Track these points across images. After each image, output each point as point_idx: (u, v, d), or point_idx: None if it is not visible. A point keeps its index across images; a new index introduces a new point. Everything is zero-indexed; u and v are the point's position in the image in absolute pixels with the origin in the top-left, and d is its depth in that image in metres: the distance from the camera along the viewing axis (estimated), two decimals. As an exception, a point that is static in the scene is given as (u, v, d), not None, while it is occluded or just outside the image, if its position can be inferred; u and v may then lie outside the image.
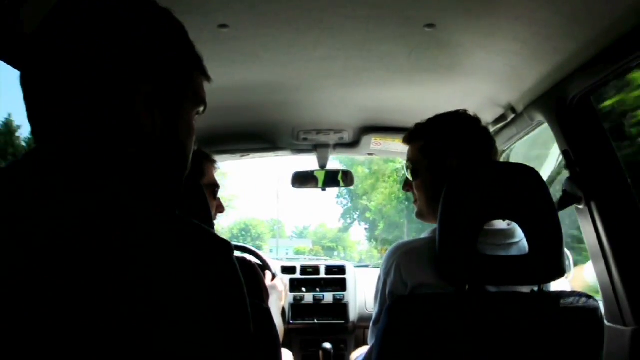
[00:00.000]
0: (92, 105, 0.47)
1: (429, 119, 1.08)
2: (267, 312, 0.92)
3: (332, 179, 2.12)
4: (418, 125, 1.09)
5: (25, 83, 0.49)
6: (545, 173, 1.47)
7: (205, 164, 1.24)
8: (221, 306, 0.44)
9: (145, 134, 0.49)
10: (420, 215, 1.11)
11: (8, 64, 0.87)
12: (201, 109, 0.57)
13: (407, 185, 1.13)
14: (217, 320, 0.43)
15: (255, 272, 1.05)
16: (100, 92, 0.47)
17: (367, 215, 25.09)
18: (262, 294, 0.96)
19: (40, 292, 0.39)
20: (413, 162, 1.08)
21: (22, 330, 0.38)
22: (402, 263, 0.95)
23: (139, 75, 0.48)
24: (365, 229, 29.86)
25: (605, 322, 1.01)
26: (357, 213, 29.52)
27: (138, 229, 0.43)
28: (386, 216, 22.89)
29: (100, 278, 0.40)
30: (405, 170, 1.11)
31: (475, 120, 1.06)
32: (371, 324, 1.02)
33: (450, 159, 1.00)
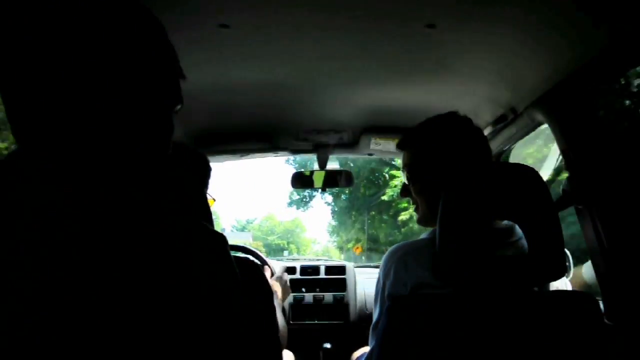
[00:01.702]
0: (77, 104, 0.47)
1: (420, 123, 1.08)
2: (269, 311, 0.92)
3: (331, 179, 2.12)
4: (411, 130, 1.09)
5: (4, 83, 0.48)
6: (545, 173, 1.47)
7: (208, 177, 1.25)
8: (216, 295, 0.45)
9: (129, 131, 0.51)
10: (424, 221, 1.09)
11: None
12: (179, 107, 0.59)
13: (405, 191, 1.12)
14: (212, 309, 0.44)
15: (259, 272, 1.06)
16: (85, 91, 0.47)
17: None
18: (268, 294, 0.97)
19: (54, 283, 0.40)
20: (410, 167, 1.08)
21: (51, 318, 0.39)
22: (402, 264, 0.95)
23: (122, 77, 0.49)
24: (333, 213, 20.17)
25: (605, 321, 1.01)
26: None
27: (139, 220, 0.44)
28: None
29: (106, 268, 0.41)
30: (403, 176, 1.11)
31: (467, 120, 1.06)
32: (371, 328, 1.02)
33: (446, 161, 1.00)
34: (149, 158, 0.54)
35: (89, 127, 0.48)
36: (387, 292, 0.96)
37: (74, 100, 0.47)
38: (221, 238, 0.49)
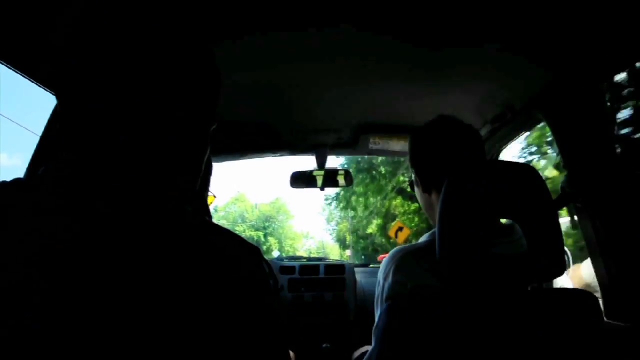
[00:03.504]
0: (133, 121, 0.50)
1: (413, 131, 1.10)
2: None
3: (331, 178, 2.11)
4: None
5: (64, 101, 0.51)
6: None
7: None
8: (252, 309, 0.46)
9: (175, 149, 0.54)
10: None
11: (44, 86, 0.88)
12: (214, 126, 0.63)
13: (411, 186, 1.16)
14: (248, 323, 0.45)
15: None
16: (141, 113, 0.51)
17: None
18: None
19: (66, 291, 0.40)
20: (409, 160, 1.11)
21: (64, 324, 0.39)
22: (401, 265, 0.95)
23: (177, 103, 0.53)
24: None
25: (605, 319, 1.01)
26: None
27: (174, 234, 0.45)
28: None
29: (136, 281, 0.41)
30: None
31: (456, 122, 1.07)
32: (373, 330, 1.02)
33: (436, 166, 1.03)
34: (189, 173, 0.57)
35: (144, 144, 0.51)
36: (386, 294, 0.95)
37: (134, 117, 0.51)
38: (257, 252, 0.51)
